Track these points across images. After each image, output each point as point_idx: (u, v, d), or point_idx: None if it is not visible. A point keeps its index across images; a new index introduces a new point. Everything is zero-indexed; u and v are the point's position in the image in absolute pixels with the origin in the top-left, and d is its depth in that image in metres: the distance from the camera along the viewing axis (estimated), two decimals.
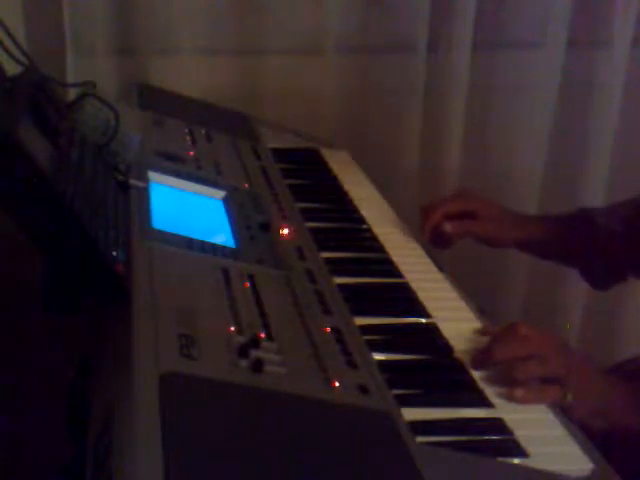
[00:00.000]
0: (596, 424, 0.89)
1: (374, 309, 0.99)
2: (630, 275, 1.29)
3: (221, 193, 1.12)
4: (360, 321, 0.94)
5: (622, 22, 1.74)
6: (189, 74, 1.56)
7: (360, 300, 0.99)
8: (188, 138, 1.29)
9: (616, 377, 0.97)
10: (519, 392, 0.86)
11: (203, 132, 1.34)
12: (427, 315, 1.00)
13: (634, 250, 1.25)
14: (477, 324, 1.00)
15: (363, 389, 0.79)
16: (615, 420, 0.91)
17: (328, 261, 1.07)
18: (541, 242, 1.31)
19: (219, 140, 1.34)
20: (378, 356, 0.88)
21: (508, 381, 0.87)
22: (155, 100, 1.42)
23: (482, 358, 0.90)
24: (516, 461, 0.77)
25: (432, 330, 0.97)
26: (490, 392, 0.86)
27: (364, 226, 1.22)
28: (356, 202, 1.30)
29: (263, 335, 0.80)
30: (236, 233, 1.02)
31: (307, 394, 0.74)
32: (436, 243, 1.26)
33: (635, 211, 1.26)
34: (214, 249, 0.95)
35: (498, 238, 1.30)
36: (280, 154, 1.42)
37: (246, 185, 1.21)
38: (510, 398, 0.85)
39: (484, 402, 0.85)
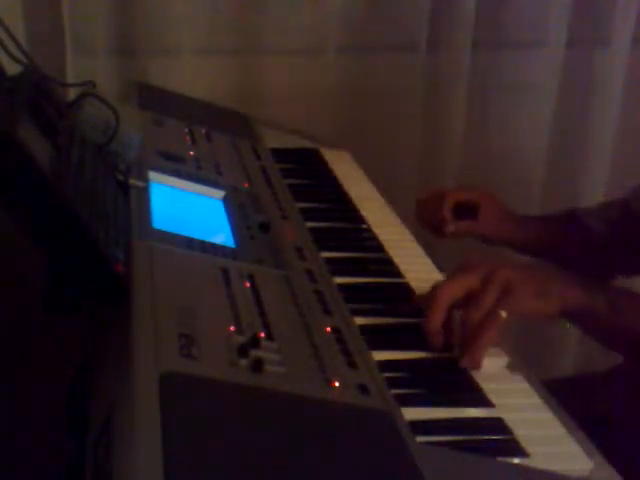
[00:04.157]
0: (539, 306, 0.91)
1: (374, 309, 0.98)
2: (618, 274, 1.33)
3: (221, 193, 1.12)
4: (360, 321, 0.94)
5: (622, 22, 1.75)
6: (189, 74, 1.56)
7: (360, 300, 0.99)
8: (188, 138, 1.29)
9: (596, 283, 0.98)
10: (466, 359, 0.87)
11: (203, 132, 1.34)
12: None
13: (619, 252, 1.28)
14: None
15: (363, 389, 0.78)
16: (567, 300, 0.92)
17: (328, 261, 1.07)
18: (533, 242, 1.36)
19: (219, 140, 1.34)
20: (378, 356, 0.88)
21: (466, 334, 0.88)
22: (155, 100, 1.42)
23: (426, 301, 0.92)
24: (516, 461, 0.76)
25: None
26: (490, 392, 0.86)
27: (364, 226, 1.22)
28: (356, 202, 1.29)
29: (263, 335, 0.80)
30: (236, 233, 1.02)
31: (307, 394, 0.74)
32: (436, 233, 1.33)
33: (619, 213, 1.28)
34: (214, 249, 0.95)
35: (495, 238, 1.36)
36: (280, 154, 1.42)
37: (246, 185, 1.21)
38: (469, 364, 0.88)
39: (484, 402, 0.84)
